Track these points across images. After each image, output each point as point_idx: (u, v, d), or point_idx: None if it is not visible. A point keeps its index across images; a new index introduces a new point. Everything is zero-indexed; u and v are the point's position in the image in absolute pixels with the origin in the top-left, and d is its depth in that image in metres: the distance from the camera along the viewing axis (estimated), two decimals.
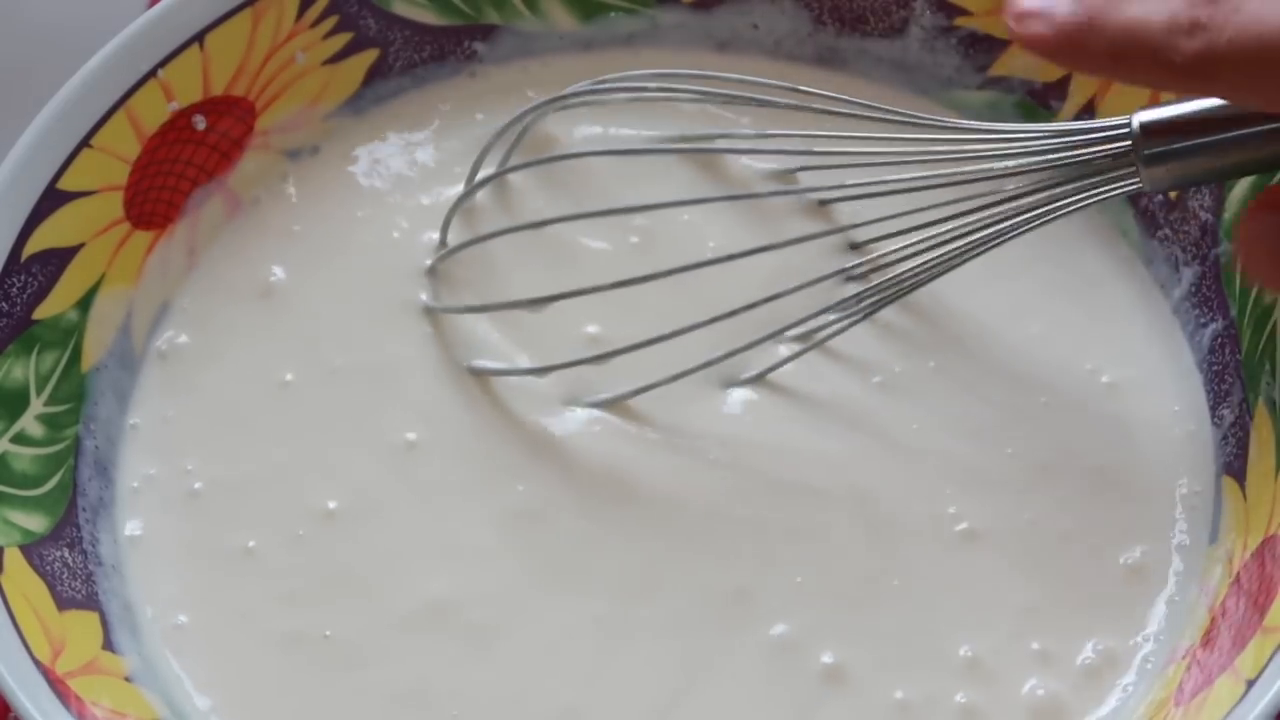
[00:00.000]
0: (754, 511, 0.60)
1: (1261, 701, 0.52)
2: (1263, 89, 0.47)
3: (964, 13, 0.68)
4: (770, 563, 0.59)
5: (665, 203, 0.64)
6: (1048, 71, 0.67)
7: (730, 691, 0.57)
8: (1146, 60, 0.48)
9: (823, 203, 0.66)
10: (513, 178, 0.67)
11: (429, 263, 0.65)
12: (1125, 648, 0.58)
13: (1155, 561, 0.59)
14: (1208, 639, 0.56)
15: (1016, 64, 0.68)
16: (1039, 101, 0.68)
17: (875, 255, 0.64)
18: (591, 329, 0.63)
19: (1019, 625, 0.58)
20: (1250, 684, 0.53)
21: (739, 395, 0.62)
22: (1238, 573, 0.57)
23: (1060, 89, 0.67)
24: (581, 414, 0.62)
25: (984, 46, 0.68)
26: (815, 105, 0.64)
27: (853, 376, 0.63)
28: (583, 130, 0.68)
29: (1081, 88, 0.67)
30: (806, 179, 0.66)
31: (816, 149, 0.64)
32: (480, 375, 0.63)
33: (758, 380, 0.62)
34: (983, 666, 0.57)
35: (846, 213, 0.65)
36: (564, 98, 0.66)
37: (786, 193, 0.66)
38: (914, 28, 0.69)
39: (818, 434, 0.61)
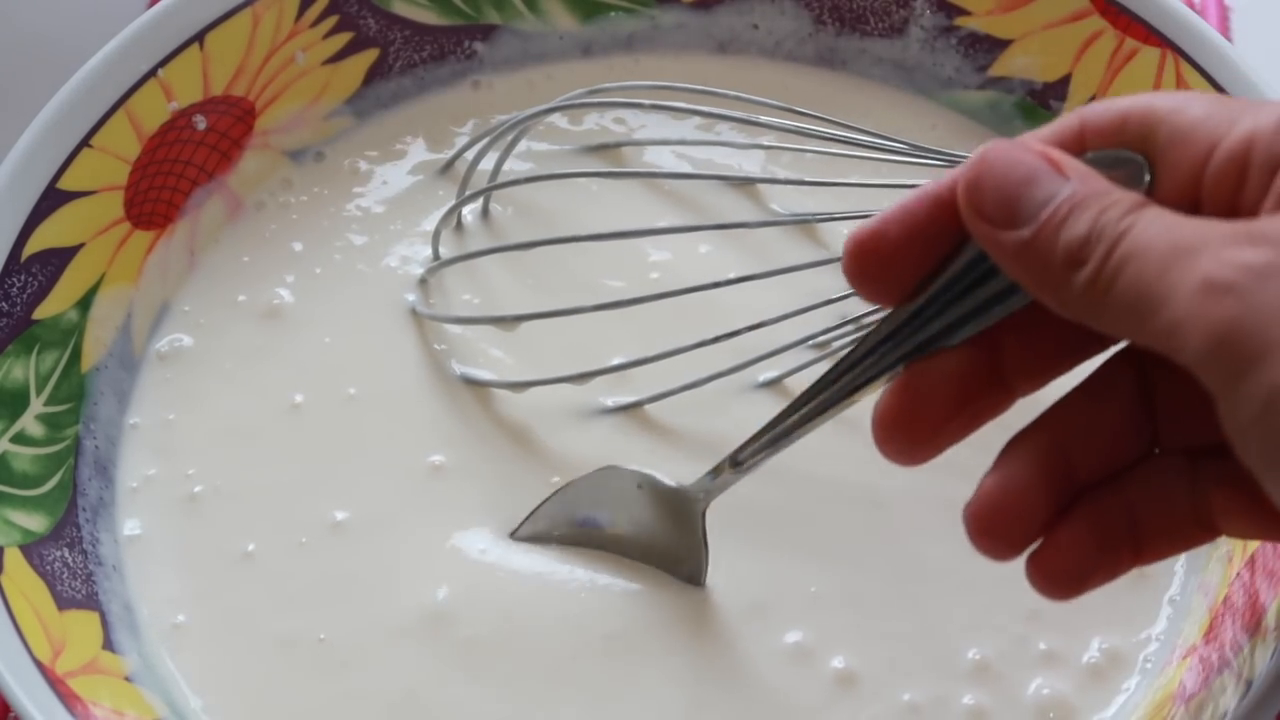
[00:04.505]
0: (771, 524, 0.60)
1: (1261, 702, 0.52)
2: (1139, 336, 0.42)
3: (964, 13, 0.68)
4: (786, 575, 0.58)
5: (669, 228, 0.64)
6: (1048, 72, 0.67)
7: (741, 701, 0.56)
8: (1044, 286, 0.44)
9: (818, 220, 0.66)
10: (513, 192, 0.67)
11: (420, 273, 0.65)
12: (1129, 646, 0.58)
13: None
14: (1208, 638, 0.56)
15: (1016, 64, 0.68)
16: (1039, 102, 0.68)
17: None
18: (617, 359, 0.62)
19: (1027, 626, 0.58)
20: (1250, 684, 0.53)
21: (753, 412, 0.62)
22: (1238, 572, 0.57)
23: (1060, 89, 0.67)
24: (601, 428, 0.62)
25: (984, 46, 0.68)
26: (807, 128, 0.64)
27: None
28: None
29: (1081, 88, 0.67)
30: (802, 202, 0.66)
31: (809, 178, 0.65)
32: (471, 384, 0.63)
33: (775, 384, 0.62)
34: (991, 668, 0.57)
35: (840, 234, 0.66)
36: (555, 109, 0.65)
37: (791, 221, 0.66)
38: (914, 28, 0.69)
39: (834, 447, 0.61)
